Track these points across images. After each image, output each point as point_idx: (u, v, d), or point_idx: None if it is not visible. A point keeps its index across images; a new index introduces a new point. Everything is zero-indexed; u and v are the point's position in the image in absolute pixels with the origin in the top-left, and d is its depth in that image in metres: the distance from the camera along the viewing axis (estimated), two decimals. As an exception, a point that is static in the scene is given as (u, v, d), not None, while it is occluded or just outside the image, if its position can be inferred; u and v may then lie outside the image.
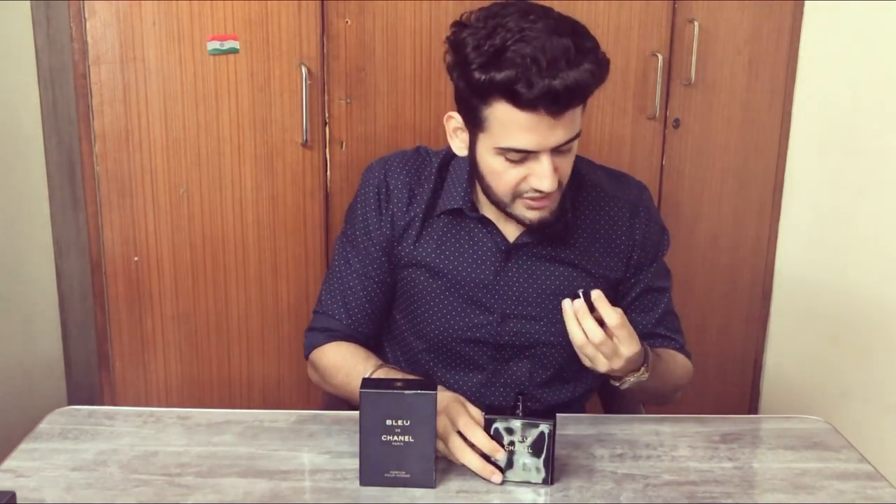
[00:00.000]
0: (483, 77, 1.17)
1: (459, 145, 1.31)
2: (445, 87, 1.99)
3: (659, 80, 2.06)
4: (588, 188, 1.40)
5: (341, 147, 2.00)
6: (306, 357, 1.48)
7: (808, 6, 2.12)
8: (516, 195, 1.26)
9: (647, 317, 1.44)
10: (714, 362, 2.30)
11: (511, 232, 1.37)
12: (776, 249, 2.27)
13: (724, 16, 2.08)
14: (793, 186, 2.22)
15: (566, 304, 1.18)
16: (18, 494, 1.05)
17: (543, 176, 1.21)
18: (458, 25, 1.23)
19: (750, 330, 2.31)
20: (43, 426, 1.28)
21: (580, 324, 1.17)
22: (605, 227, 1.40)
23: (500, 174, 1.24)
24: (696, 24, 2.06)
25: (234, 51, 1.91)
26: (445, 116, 1.31)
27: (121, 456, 1.20)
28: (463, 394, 1.42)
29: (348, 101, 1.98)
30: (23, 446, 1.22)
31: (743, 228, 2.24)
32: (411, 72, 1.98)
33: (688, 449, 1.25)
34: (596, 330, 1.17)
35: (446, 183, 1.39)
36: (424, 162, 1.42)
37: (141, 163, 1.94)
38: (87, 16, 1.86)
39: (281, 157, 1.98)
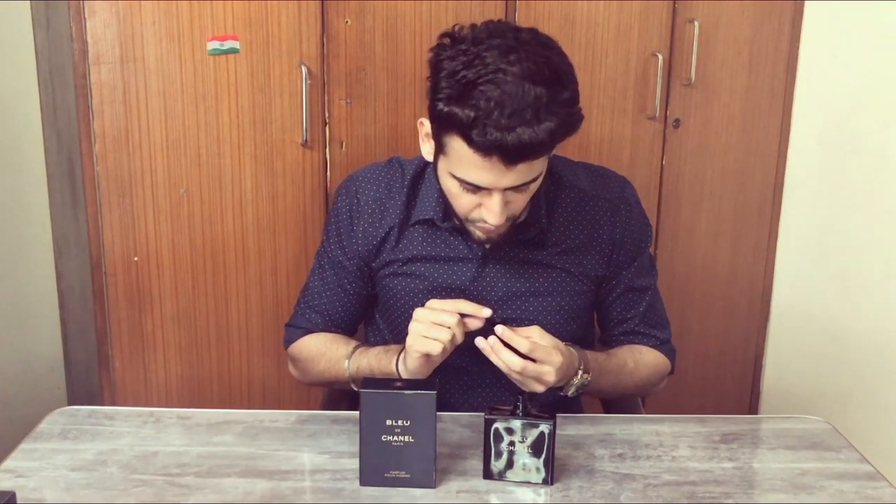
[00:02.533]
0: (445, 109, 1.16)
1: (427, 151, 1.31)
2: (445, 87, 1.99)
3: (659, 80, 2.06)
4: (567, 189, 1.40)
5: (341, 147, 2.00)
6: (285, 348, 1.51)
7: (808, 6, 2.12)
8: (469, 219, 1.28)
9: (630, 313, 1.45)
10: (714, 362, 2.30)
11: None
12: (776, 249, 2.27)
13: (724, 16, 2.08)
14: (793, 186, 2.22)
15: (479, 342, 1.21)
16: (18, 494, 1.05)
17: (492, 212, 1.22)
18: (442, 45, 1.22)
19: (750, 330, 2.31)
20: (43, 426, 1.28)
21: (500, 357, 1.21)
22: (585, 227, 1.40)
23: (455, 196, 1.26)
24: (696, 24, 2.06)
25: (234, 51, 1.91)
26: (418, 121, 1.31)
27: (121, 456, 1.20)
28: (450, 397, 1.43)
29: (348, 101, 1.98)
30: (23, 446, 1.22)
31: (743, 228, 2.24)
32: (411, 72, 1.98)
33: (688, 449, 1.25)
34: (513, 360, 1.19)
35: (420, 193, 1.39)
36: (396, 174, 1.42)
37: (141, 163, 1.94)
38: (87, 16, 1.86)
39: (281, 157, 1.98)
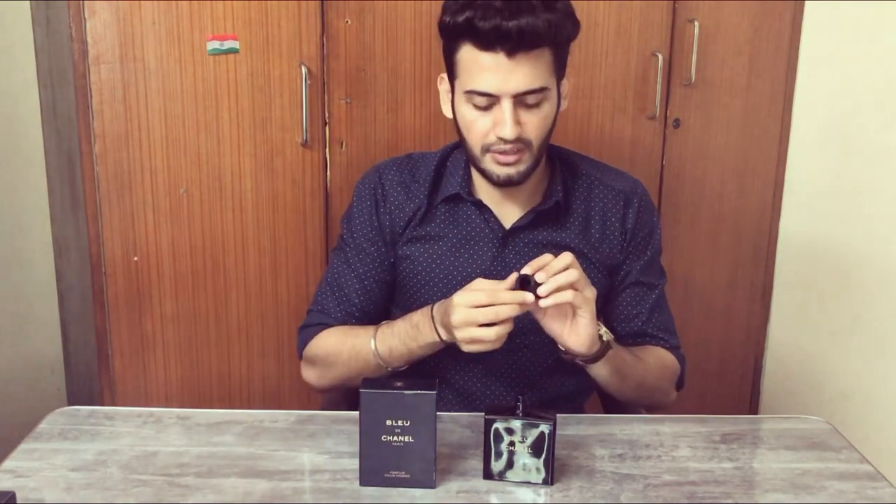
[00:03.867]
0: (449, 20, 1.27)
1: (446, 107, 1.38)
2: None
3: (659, 80, 2.06)
4: (582, 177, 1.45)
5: (341, 147, 2.00)
6: (300, 355, 1.49)
7: (808, 6, 2.12)
8: (485, 148, 1.31)
9: (637, 309, 1.46)
10: (714, 362, 2.30)
11: (507, 217, 1.41)
12: (776, 249, 2.27)
13: (725, 16, 2.08)
14: (793, 186, 2.22)
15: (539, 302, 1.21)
16: (18, 494, 1.05)
17: (504, 122, 1.27)
18: None
19: (750, 330, 2.31)
20: (43, 426, 1.28)
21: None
22: (599, 214, 1.44)
23: (470, 124, 1.31)
24: (696, 23, 2.06)
25: (234, 51, 1.91)
26: (438, 78, 1.38)
27: (120, 456, 1.20)
28: (463, 386, 1.43)
29: (348, 101, 1.98)
30: (23, 446, 1.22)
31: (743, 228, 2.24)
32: (411, 72, 1.98)
33: (688, 449, 1.25)
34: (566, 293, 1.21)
35: (445, 174, 1.44)
36: (418, 163, 1.47)
37: (141, 163, 1.94)
38: (87, 16, 1.86)
39: (281, 157, 1.98)
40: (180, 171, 1.96)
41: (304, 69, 1.93)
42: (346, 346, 1.39)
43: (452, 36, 1.28)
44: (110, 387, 2.05)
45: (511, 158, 1.30)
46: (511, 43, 1.23)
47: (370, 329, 1.38)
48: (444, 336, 1.27)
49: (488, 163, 1.32)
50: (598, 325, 1.28)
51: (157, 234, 1.98)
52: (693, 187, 2.18)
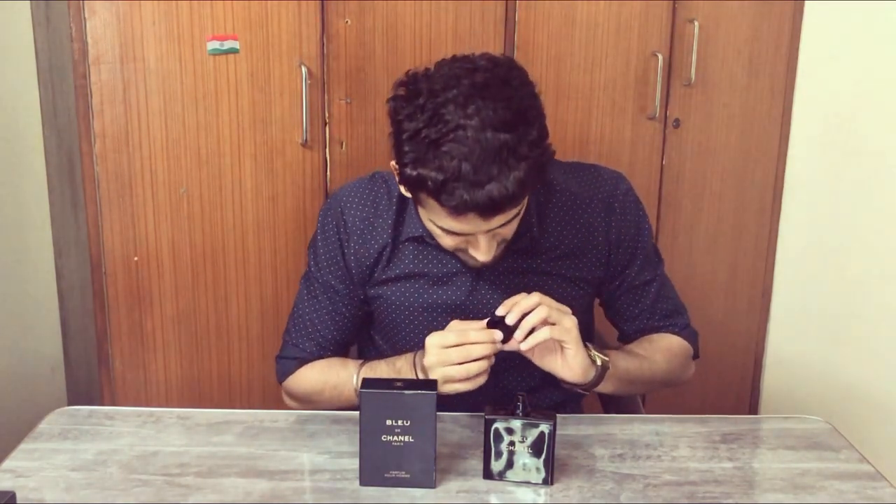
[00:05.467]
0: (412, 174, 1.14)
1: (404, 191, 1.25)
2: (445, 87, 1.99)
3: (659, 80, 2.06)
4: (558, 193, 1.38)
5: (341, 147, 2.00)
6: (280, 382, 1.49)
7: (808, 6, 2.12)
8: (457, 252, 1.29)
9: (637, 308, 1.45)
10: (714, 362, 2.30)
11: None
12: (776, 249, 2.27)
13: (724, 16, 2.08)
14: (793, 186, 2.22)
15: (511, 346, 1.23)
16: (18, 494, 1.05)
17: (480, 252, 1.23)
18: (399, 98, 1.19)
19: (750, 330, 2.31)
20: (43, 426, 1.28)
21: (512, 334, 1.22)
22: (579, 231, 1.38)
23: (439, 237, 1.26)
24: (696, 23, 2.06)
25: (234, 51, 1.91)
26: (391, 164, 1.24)
27: (121, 456, 1.20)
28: (453, 406, 1.40)
29: (348, 101, 1.98)
30: (23, 446, 1.22)
31: (743, 228, 2.24)
32: (411, 72, 1.98)
33: (688, 449, 1.25)
34: (540, 334, 1.22)
35: (408, 209, 1.36)
36: (381, 191, 1.39)
37: (141, 163, 1.94)
38: (87, 16, 1.86)
39: (281, 157, 1.98)
40: (180, 171, 1.96)
41: (304, 69, 1.93)
42: (327, 386, 1.39)
43: (415, 187, 1.16)
44: (110, 387, 2.05)
45: (485, 261, 1.26)
46: (485, 213, 1.13)
47: (351, 366, 1.37)
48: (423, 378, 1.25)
49: (461, 255, 1.30)
50: (589, 349, 1.27)
51: (157, 234, 1.98)
52: (693, 187, 2.18)
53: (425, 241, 1.35)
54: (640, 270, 1.44)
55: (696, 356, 1.50)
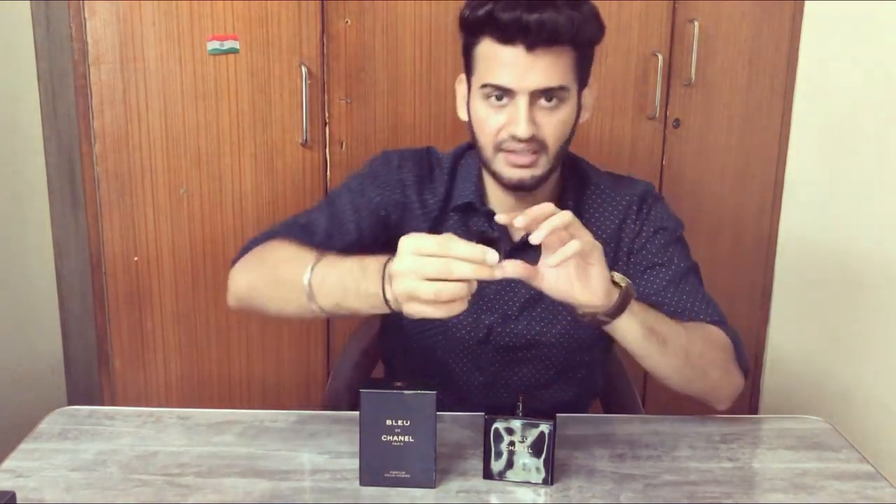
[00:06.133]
0: (469, 14, 1.23)
1: (462, 110, 1.33)
2: (445, 86, 2.00)
3: (659, 79, 2.06)
4: (592, 186, 1.40)
5: (341, 147, 2.00)
6: (233, 263, 1.29)
7: (808, 6, 2.12)
8: (497, 146, 1.25)
9: (659, 284, 1.34)
10: (714, 362, 2.30)
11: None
12: (776, 249, 2.27)
13: (725, 16, 2.08)
14: (793, 186, 2.22)
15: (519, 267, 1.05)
16: (18, 494, 1.05)
17: (518, 120, 1.21)
18: None
19: (750, 330, 2.31)
20: (43, 426, 1.28)
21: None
22: (610, 224, 1.38)
23: (483, 121, 1.25)
24: (696, 23, 2.06)
25: (234, 51, 1.91)
26: (457, 80, 1.34)
27: (120, 456, 1.20)
28: (466, 394, 1.41)
29: (348, 101, 1.98)
30: (23, 446, 1.22)
31: (743, 228, 2.24)
32: (411, 72, 1.98)
33: (688, 449, 1.25)
34: (569, 246, 1.03)
35: (457, 180, 1.39)
36: (434, 162, 1.41)
37: (141, 163, 1.94)
38: (87, 16, 1.86)
39: (281, 157, 1.98)
40: (180, 171, 1.96)
41: (304, 69, 1.93)
42: (288, 264, 1.17)
43: (472, 30, 1.24)
44: (110, 387, 2.06)
45: (525, 160, 1.24)
46: (531, 36, 1.18)
47: (309, 257, 1.14)
48: (388, 292, 1.03)
49: (500, 164, 1.26)
50: (611, 272, 1.11)
51: (157, 234, 1.98)
52: (693, 187, 2.18)
53: (473, 210, 1.35)
54: (661, 253, 1.37)
55: (744, 365, 1.30)
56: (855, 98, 2.09)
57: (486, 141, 1.26)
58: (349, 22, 1.94)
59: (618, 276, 1.12)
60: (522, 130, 1.21)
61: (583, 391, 1.46)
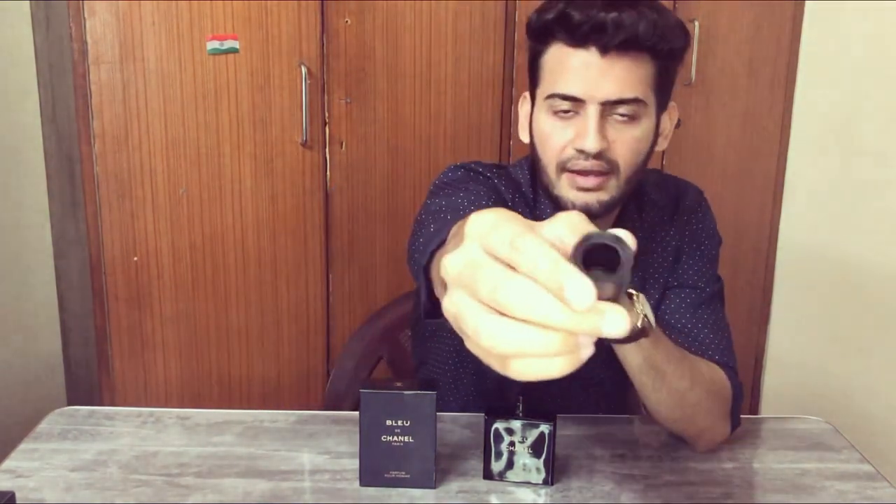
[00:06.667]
0: (537, 18, 1.11)
1: (524, 132, 1.19)
2: (445, 86, 2.00)
3: (659, 80, 2.06)
4: (644, 197, 1.29)
5: (341, 147, 2.00)
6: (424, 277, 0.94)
7: (808, 6, 2.12)
8: (561, 166, 1.11)
9: (675, 304, 1.26)
10: (714, 362, 2.30)
11: None
12: (776, 249, 2.27)
13: (725, 16, 2.08)
14: (793, 186, 2.22)
15: None
16: (18, 494, 1.05)
17: (587, 132, 1.07)
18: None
19: (751, 330, 2.31)
20: (43, 426, 1.28)
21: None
22: (670, 241, 1.30)
23: (547, 136, 1.12)
24: (696, 23, 2.05)
25: (233, 50, 1.91)
26: (520, 98, 1.20)
27: (120, 456, 1.20)
28: (479, 389, 1.28)
29: (348, 101, 1.98)
30: (23, 446, 1.22)
31: (743, 228, 2.24)
32: (411, 72, 1.98)
33: (688, 449, 1.25)
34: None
35: (538, 202, 1.24)
36: (515, 179, 1.26)
37: (140, 163, 1.94)
38: (86, 16, 1.86)
39: (281, 157, 1.98)
40: (180, 171, 1.95)
41: (304, 69, 1.93)
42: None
43: (541, 35, 1.11)
44: (110, 387, 2.05)
45: (591, 182, 1.09)
46: (606, 37, 1.04)
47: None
48: (435, 292, 0.85)
49: (564, 187, 1.11)
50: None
51: (157, 234, 1.98)
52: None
53: None
54: (695, 272, 1.29)
55: (735, 418, 1.22)
56: (855, 98, 2.09)
57: (549, 159, 1.13)
58: (349, 21, 1.94)
59: (640, 304, 0.93)
60: (591, 144, 1.07)
61: (611, 401, 1.42)
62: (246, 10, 1.89)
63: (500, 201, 1.18)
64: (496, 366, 0.49)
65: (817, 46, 2.13)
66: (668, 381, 1.09)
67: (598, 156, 1.08)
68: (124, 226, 1.97)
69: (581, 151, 1.08)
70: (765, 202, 2.23)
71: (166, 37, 1.88)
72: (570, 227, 0.49)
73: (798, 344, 2.28)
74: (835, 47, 2.11)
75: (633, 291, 0.90)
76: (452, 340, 1.30)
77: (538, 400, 1.13)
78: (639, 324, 0.91)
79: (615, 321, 0.46)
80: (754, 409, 2.37)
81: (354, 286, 2.08)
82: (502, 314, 0.46)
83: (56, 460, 1.18)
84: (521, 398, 1.13)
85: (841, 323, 2.16)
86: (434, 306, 0.93)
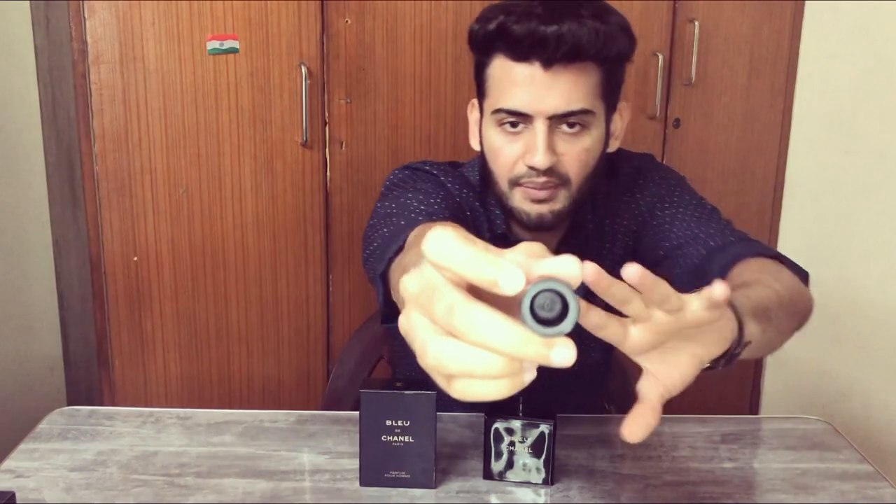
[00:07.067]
0: (480, 27, 1.10)
1: (474, 139, 1.20)
2: (445, 87, 2.00)
3: (659, 79, 2.06)
4: (601, 202, 1.28)
5: (341, 147, 2.00)
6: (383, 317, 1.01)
7: (808, 6, 2.12)
8: (514, 181, 1.12)
9: (677, 227, 1.23)
10: (714, 362, 2.30)
11: None
12: (776, 249, 2.27)
13: (725, 15, 2.08)
14: (793, 186, 2.22)
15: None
16: (18, 494, 1.05)
17: (535, 149, 1.07)
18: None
19: (750, 330, 2.31)
20: (43, 426, 1.28)
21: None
22: (623, 225, 1.28)
23: (497, 151, 1.12)
24: (696, 23, 2.05)
25: (233, 50, 1.91)
26: (469, 105, 1.21)
27: (120, 456, 1.20)
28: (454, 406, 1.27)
29: (348, 101, 1.98)
30: (22, 446, 1.22)
31: (743, 228, 2.23)
32: (411, 72, 1.98)
33: (688, 449, 1.25)
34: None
35: (488, 204, 1.24)
36: (465, 180, 1.26)
37: (140, 163, 1.94)
38: (86, 16, 1.86)
39: (281, 157, 1.98)
40: (180, 171, 1.95)
41: (304, 69, 1.93)
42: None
43: (483, 46, 1.11)
44: (110, 387, 2.05)
45: (544, 194, 1.10)
46: (548, 51, 1.03)
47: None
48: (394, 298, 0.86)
49: (517, 199, 1.13)
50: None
51: (157, 234, 1.98)
52: (693, 187, 2.18)
53: (507, 238, 1.19)
54: (682, 224, 1.24)
55: (801, 272, 1.17)
56: (855, 98, 2.09)
57: (500, 174, 1.14)
58: (349, 21, 1.94)
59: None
60: (540, 160, 1.07)
61: (589, 393, 1.44)
62: (246, 10, 1.89)
63: (448, 198, 1.18)
64: (441, 383, 0.50)
65: (817, 46, 2.13)
66: (776, 311, 0.97)
67: (549, 171, 1.09)
68: (124, 226, 1.97)
69: (532, 168, 1.09)
70: (765, 202, 2.23)
71: (166, 37, 1.88)
72: (529, 256, 0.50)
73: (798, 344, 2.28)
74: (835, 47, 2.11)
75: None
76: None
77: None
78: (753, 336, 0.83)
79: (563, 353, 0.47)
80: (754, 409, 2.37)
81: (354, 286, 2.08)
82: (454, 336, 0.47)
83: (56, 460, 1.18)
84: (520, 398, 1.13)
85: (841, 323, 2.16)
86: (392, 310, 0.95)
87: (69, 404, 1.78)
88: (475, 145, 1.20)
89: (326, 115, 1.98)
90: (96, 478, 1.14)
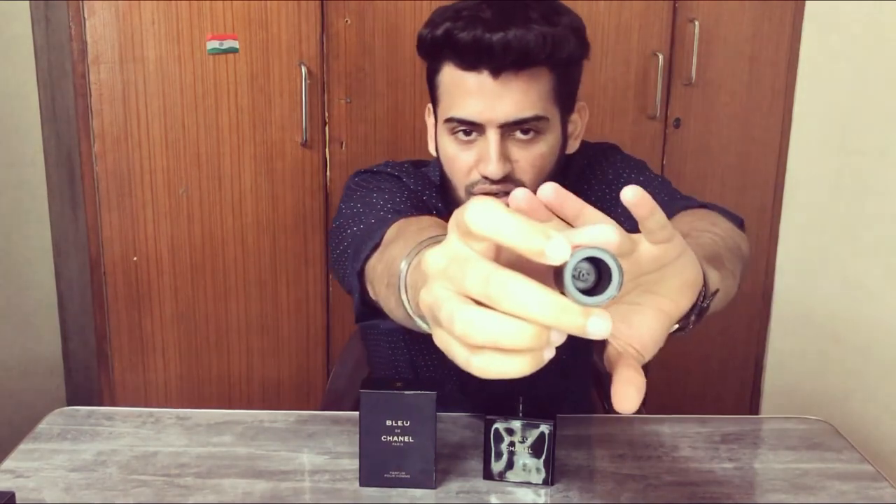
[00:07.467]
0: (427, 33, 1.07)
1: (432, 143, 1.20)
2: (445, 86, 1.99)
3: (659, 79, 2.06)
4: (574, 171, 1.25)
5: (341, 147, 2.00)
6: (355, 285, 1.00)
7: (808, 6, 2.12)
8: (469, 190, 1.12)
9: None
10: (715, 362, 2.30)
11: None
12: (776, 249, 2.27)
13: (725, 15, 2.08)
14: (793, 186, 2.22)
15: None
16: (18, 494, 1.05)
17: (488, 158, 1.06)
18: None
19: (751, 330, 2.31)
20: (42, 426, 1.28)
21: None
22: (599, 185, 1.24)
23: (451, 160, 1.11)
24: (696, 23, 2.05)
25: (233, 50, 1.91)
26: (426, 110, 1.21)
27: (120, 456, 1.20)
28: (464, 383, 1.29)
29: (348, 100, 1.98)
30: (22, 446, 1.22)
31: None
32: (411, 72, 1.98)
33: (688, 449, 1.25)
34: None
35: (451, 206, 1.21)
36: (429, 182, 1.27)
37: (140, 163, 1.94)
38: (86, 16, 1.86)
39: (281, 157, 1.98)
40: (180, 171, 1.95)
41: (304, 69, 1.93)
42: (397, 245, 0.87)
43: (431, 54, 1.09)
44: (110, 387, 2.05)
45: (501, 200, 1.11)
46: (495, 60, 1.01)
47: (420, 235, 0.83)
48: (410, 299, 0.72)
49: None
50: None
51: (157, 234, 1.98)
52: (693, 187, 2.18)
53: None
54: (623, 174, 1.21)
55: (736, 220, 1.17)
56: (855, 98, 2.09)
57: (457, 181, 1.12)
58: (349, 21, 1.94)
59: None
60: (493, 170, 1.06)
61: (578, 385, 1.44)
62: (246, 10, 1.89)
63: (412, 197, 1.18)
64: (460, 359, 0.49)
65: (817, 46, 2.13)
66: (727, 257, 0.96)
67: (504, 178, 1.07)
68: (124, 226, 1.97)
69: (485, 177, 1.08)
70: (765, 202, 2.23)
71: (166, 36, 1.88)
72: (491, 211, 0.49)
73: (798, 344, 2.28)
74: (835, 47, 2.11)
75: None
76: (388, 339, 1.31)
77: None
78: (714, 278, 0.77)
79: (599, 323, 0.46)
80: (755, 409, 2.37)
81: (354, 286, 2.08)
82: (483, 306, 0.47)
83: (56, 460, 1.18)
84: (520, 398, 1.13)
85: (841, 322, 2.16)
86: (367, 308, 0.96)
87: (69, 405, 1.78)
88: (433, 150, 1.19)
89: (326, 114, 1.98)
90: (96, 478, 1.14)
